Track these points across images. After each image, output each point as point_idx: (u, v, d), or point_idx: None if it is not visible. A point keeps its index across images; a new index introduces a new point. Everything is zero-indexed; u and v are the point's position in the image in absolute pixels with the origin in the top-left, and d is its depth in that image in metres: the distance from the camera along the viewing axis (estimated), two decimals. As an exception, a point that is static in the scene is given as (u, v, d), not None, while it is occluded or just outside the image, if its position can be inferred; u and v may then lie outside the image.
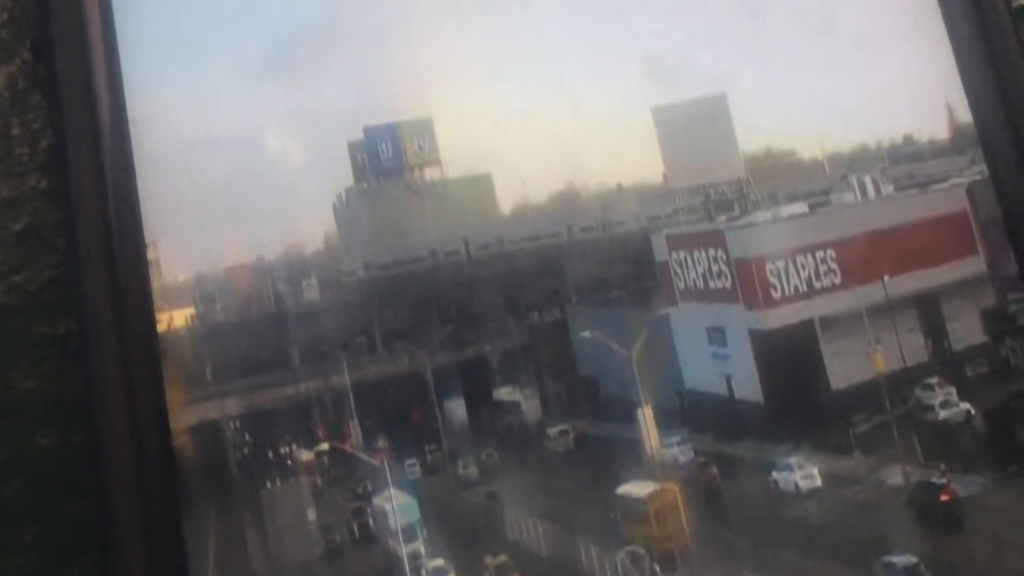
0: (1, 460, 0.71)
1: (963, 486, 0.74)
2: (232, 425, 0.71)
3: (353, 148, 0.76)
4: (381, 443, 0.72)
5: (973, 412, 0.76)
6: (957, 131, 0.80)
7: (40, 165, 0.77)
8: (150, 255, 0.69)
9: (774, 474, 0.74)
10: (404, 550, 0.69)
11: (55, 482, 0.72)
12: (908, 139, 0.80)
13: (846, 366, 0.76)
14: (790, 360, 0.76)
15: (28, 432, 0.72)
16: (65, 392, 0.73)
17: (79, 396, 0.72)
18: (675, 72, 0.79)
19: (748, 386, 0.75)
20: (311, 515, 0.71)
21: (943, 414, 0.76)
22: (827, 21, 0.82)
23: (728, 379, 0.76)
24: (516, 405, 0.75)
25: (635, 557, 0.71)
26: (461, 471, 0.76)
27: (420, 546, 0.70)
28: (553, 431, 0.75)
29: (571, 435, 0.75)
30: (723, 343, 0.77)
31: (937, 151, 0.80)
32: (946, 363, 0.78)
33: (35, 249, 0.75)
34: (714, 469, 0.73)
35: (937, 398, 0.77)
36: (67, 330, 0.74)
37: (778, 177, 0.79)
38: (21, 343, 0.73)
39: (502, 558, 0.71)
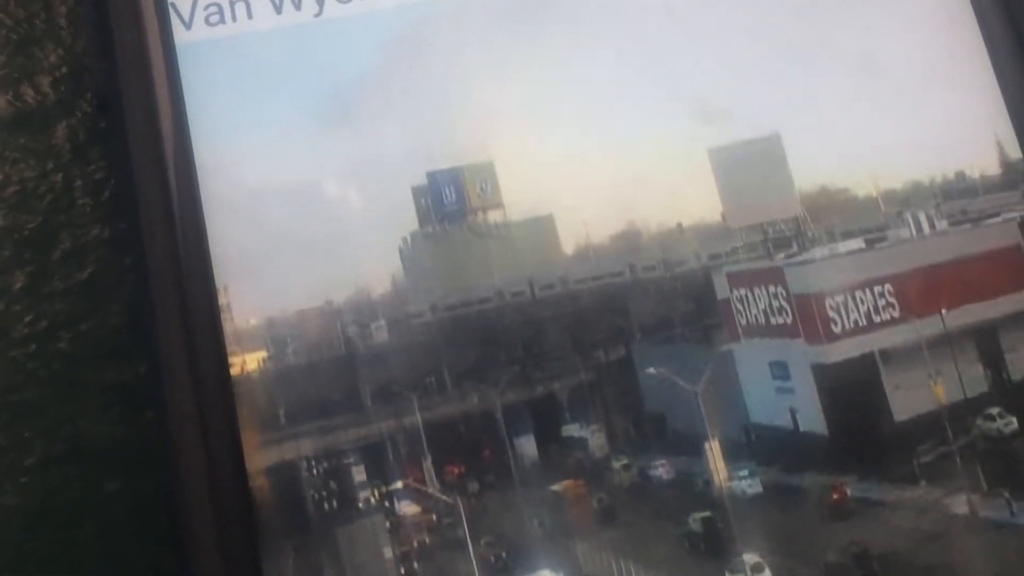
0: (71, 506, 0.73)
1: (1026, 513, 0.75)
2: (307, 466, 0.72)
3: (417, 193, 0.77)
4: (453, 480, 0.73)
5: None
6: (1007, 166, 0.82)
7: (103, 215, 0.79)
8: (221, 300, 0.71)
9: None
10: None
11: (126, 527, 0.73)
12: (960, 175, 0.81)
13: (908, 398, 0.77)
14: (853, 393, 0.77)
15: (98, 478, 0.74)
16: (134, 438, 0.75)
17: (148, 441, 0.73)
18: (726, 114, 0.81)
19: (812, 419, 0.76)
20: (387, 553, 0.72)
21: (1005, 443, 0.77)
22: (874, 61, 0.84)
23: (793, 412, 0.77)
24: (583, 441, 0.76)
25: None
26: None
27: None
28: (618, 465, 0.75)
29: (634, 469, 0.76)
30: (786, 377, 0.78)
31: (988, 187, 0.81)
32: (1006, 393, 0.79)
33: (100, 298, 0.78)
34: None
35: (999, 427, 0.78)
36: (134, 376, 0.76)
37: (834, 214, 0.80)
38: (89, 390, 0.75)
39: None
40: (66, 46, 0.86)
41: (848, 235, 0.82)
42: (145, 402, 0.77)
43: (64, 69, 0.86)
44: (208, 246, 0.76)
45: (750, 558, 0.74)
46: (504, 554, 0.74)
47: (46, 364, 0.79)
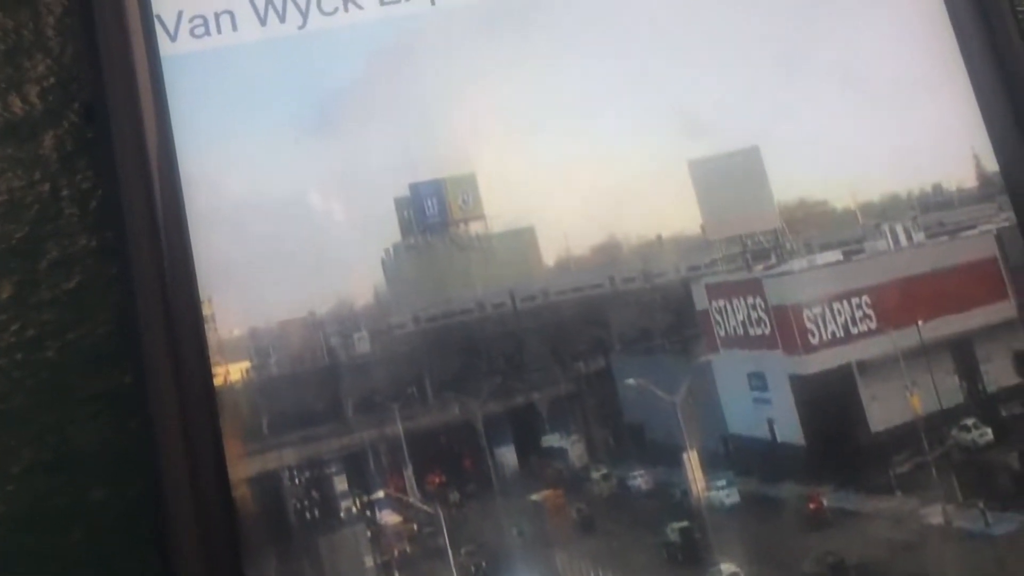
0: (58, 513, 0.74)
1: (1002, 523, 0.76)
2: (289, 475, 0.73)
3: (399, 204, 0.78)
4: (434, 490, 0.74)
5: (1007, 451, 0.77)
6: (984, 179, 0.83)
7: (90, 225, 0.80)
8: (205, 311, 0.72)
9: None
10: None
11: (112, 535, 0.74)
12: (937, 188, 0.82)
13: (884, 408, 0.78)
14: (830, 403, 0.78)
15: (84, 485, 0.75)
16: (120, 446, 0.76)
17: (134, 449, 0.74)
18: (706, 126, 0.81)
19: (790, 429, 0.77)
20: (368, 562, 0.72)
21: (980, 454, 0.78)
22: (853, 74, 0.85)
23: (770, 423, 0.77)
24: (563, 451, 0.76)
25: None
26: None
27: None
28: (596, 475, 0.76)
29: (613, 479, 0.77)
30: (764, 388, 0.78)
31: (965, 199, 0.82)
32: (981, 404, 0.79)
33: (87, 307, 0.78)
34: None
35: (974, 438, 0.79)
36: (120, 384, 0.77)
37: (812, 226, 0.81)
38: (76, 398, 0.76)
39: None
40: (54, 56, 0.87)
41: (826, 247, 0.83)
42: (131, 411, 0.78)
43: (52, 79, 0.87)
44: (192, 257, 0.77)
45: (727, 568, 0.75)
46: (484, 563, 0.75)
47: (33, 373, 0.80)
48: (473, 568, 0.75)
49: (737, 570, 0.75)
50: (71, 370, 0.80)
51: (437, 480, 0.77)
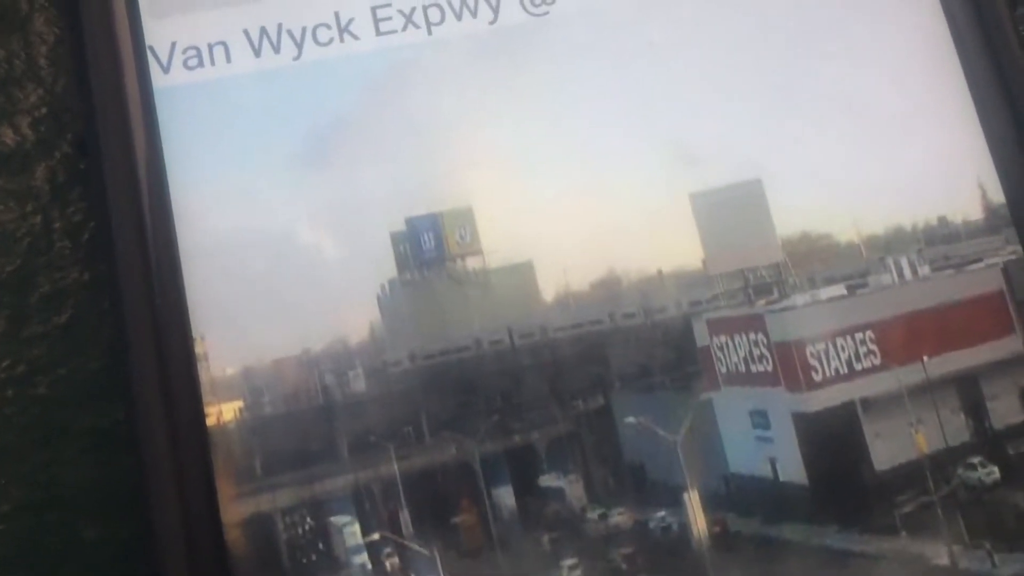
0: (50, 552, 0.73)
1: (1009, 564, 0.75)
2: (283, 518, 0.71)
3: (396, 239, 0.77)
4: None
5: (1015, 490, 0.76)
6: (990, 211, 0.82)
7: (82, 258, 0.79)
8: (198, 349, 0.70)
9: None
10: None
11: (103, 574, 0.73)
12: (943, 220, 0.81)
13: (889, 447, 0.77)
14: (833, 442, 0.77)
15: (76, 524, 0.74)
16: (111, 484, 0.74)
17: (125, 488, 0.73)
18: (707, 159, 0.81)
19: (792, 468, 0.76)
20: (363, 606, 0.71)
21: (986, 493, 0.77)
22: (856, 105, 0.84)
23: (772, 462, 0.76)
24: (561, 491, 0.75)
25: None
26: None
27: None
28: (593, 516, 0.75)
29: (608, 519, 0.76)
30: (766, 426, 0.77)
31: (971, 231, 0.81)
32: (988, 442, 0.78)
33: (79, 342, 0.77)
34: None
35: (980, 477, 0.77)
36: (113, 422, 0.76)
37: (815, 260, 0.79)
38: (67, 435, 0.75)
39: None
40: (46, 86, 0.86)
41: (830, 281, 0.82)
42: (123, 448, 0.77)
43: (44, 109, 0.86)
44: (185, 293, 0.76)
45: None
46: None
47: (24, 409, 0.79)
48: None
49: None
50: (63, 406, 0.79)
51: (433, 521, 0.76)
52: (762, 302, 0.82)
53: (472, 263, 0.82)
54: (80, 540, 0.77)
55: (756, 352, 0.80)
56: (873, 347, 0.80)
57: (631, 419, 0.78)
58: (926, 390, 0.80)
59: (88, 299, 0.82)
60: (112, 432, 0.79)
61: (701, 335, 0.81)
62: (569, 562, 0.76)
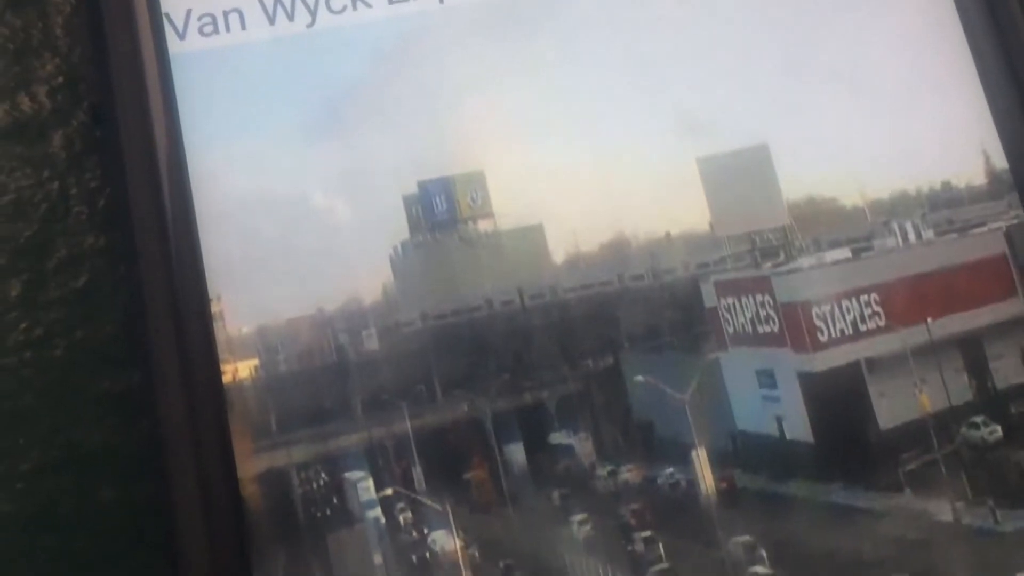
0: (67, 514, 0.74)
1: (1012, 520, 0.76)
2: (298, 473, 0.72)
3: (408, 202, 0.78)
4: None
5: (1017, 448, 0.77)
6: (993, 176, 0.83)
7: (98, 224, 0.80)
8: (214, 309, 0.72)
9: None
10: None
11: (120, 535, 0.74)
12: (946, 185, 0.82)
13: (893, 406, 0.78)
14: (839, 401, 0.78)
15: (93, 485, 0.75)
16: (128, 446, 0.75)
17: (142, 450, 0.74)
18: (714, 125, 0.82)
19: (799, 427, 0.77)
20: (377, 559, 0.72)
21: (989, 451, 0.78)
22: (862, 71, 0.85)
23: (779, 420, 0.77)
24: (570, 448, 0.76)
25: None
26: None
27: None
28: (602, 472, 0.76)
29: (618, 476, 0.77)
30: (773, 386, 0.78)
31: (975, 196, 0.82)
32: (990, 401, 0.79)
33: (96, 306, 0.78)
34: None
35: (983, 435, 0.78)
36: (129, 384, 0.77)
37: (821, 224, 0.81)
38: (84, 398, 0.76)
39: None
40: (62, 56, 0.87)
41: (835, 244, 0.83)
42: (140, 410, 0.78)
43: (60, 79, 0.87)
44: (201, 255, 0.77)
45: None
46: (504, 564, 0.75)
47: (41, 372, 0.80)
48: (485, 566, 0.75)
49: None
50: (80, 369, 0.80)
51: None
52: (768, 264, 0.83)
53: (483, 225, 0.83)
54: (97, 500, 0.78)
55: (763, 313, 0.81)
56: (878, 309, 0.81)
57: (640, 378, 0.79)
58: (930, 351, 0.81)
59: (104, 264, 0.83)
60: (128, 395, 0.80)
61: (709, 296, 0.82)
62: (579, 517, 0.77)
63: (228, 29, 0.83)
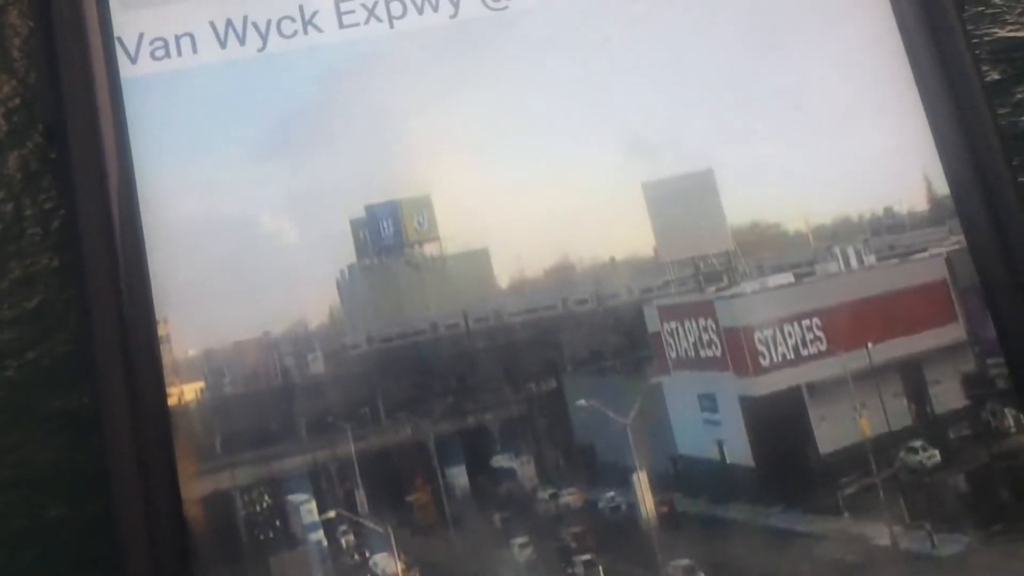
0: (15, 532, 0.74)
1: (949, 545, 0.76)
2: (242, 495, 0.73)
3: (356, 225, 0.79)
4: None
5: (954, 473, 0.78)
6: (935, 202, 0.83)
7: (52, 245, 0.81)
8: (161, 331, 0.72)
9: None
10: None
11: (67, 553, 0.75)
12: (888, 211, 0.83)
13: (833, 430, 0.79)
14: (779, 425, 0.79)
15: (41, 504, 0.75)
16: (77, 465, 0.76)
17: (91, 469, 0.75)
18: (660, 149, 0.82)
19: (739, 451, 0.78)
20: (319, 582, 0.73)
21: (927, 476, 0.79)
22: (806, 97, 0.86)
23: (720, 444, 0.78)
24: (512, 472, 0.77)
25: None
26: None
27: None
28: (543, 496, 0.77)
29: (559, 499, 0.78)
30: (714, 409, 0.79)
31: (916, 222, 0.83)
32: (929, 426, 0.80)
33: (48, 326, 0.79)
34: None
35: (921, 460, 0.79)
36: (79, 404, 0.77)
37: (764, 249, 0.81)
38: (35, 417, 0.77)
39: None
40: (19, 78, 0.87)
41: (778, 269, 0.84)
42: (89, 430, 0.78)
43: (16, 100, 0.88)
44: (149, 277, 0.78)
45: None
46: None
47: (-7, 392, 0.80)
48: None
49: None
50: (30, 389, 0.81)
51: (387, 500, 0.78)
52: (712, 289, 0.83)
53: (430, 249, 0.84)
54: (45, 519, 0.79)
55: (705, 337, 0.82)
56: (819, 333, 0.82)
57: (583, 402, 0.80)
58: (870, 375, 0.81)
59: (57, 285, 0.84)
60: (78, 414, 0.80)
61: (652, 321, 0.82)
62: (520, 540, 0.77)
63: (180, 53, 0.83)
